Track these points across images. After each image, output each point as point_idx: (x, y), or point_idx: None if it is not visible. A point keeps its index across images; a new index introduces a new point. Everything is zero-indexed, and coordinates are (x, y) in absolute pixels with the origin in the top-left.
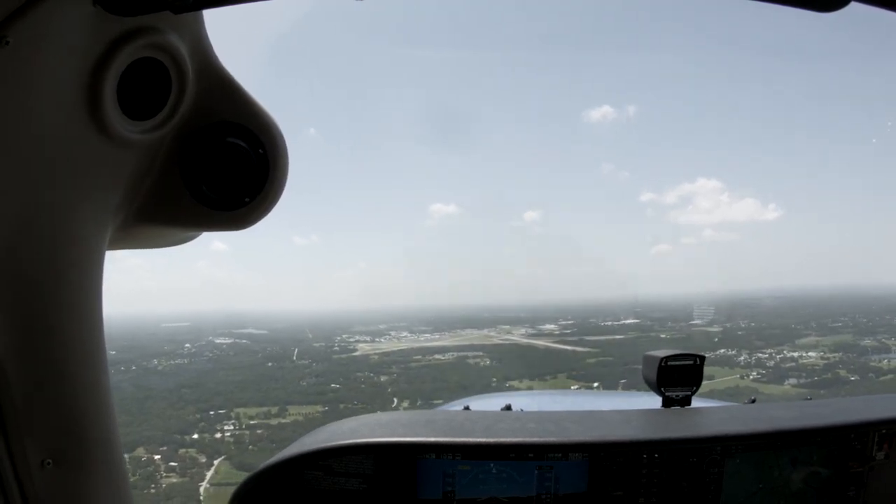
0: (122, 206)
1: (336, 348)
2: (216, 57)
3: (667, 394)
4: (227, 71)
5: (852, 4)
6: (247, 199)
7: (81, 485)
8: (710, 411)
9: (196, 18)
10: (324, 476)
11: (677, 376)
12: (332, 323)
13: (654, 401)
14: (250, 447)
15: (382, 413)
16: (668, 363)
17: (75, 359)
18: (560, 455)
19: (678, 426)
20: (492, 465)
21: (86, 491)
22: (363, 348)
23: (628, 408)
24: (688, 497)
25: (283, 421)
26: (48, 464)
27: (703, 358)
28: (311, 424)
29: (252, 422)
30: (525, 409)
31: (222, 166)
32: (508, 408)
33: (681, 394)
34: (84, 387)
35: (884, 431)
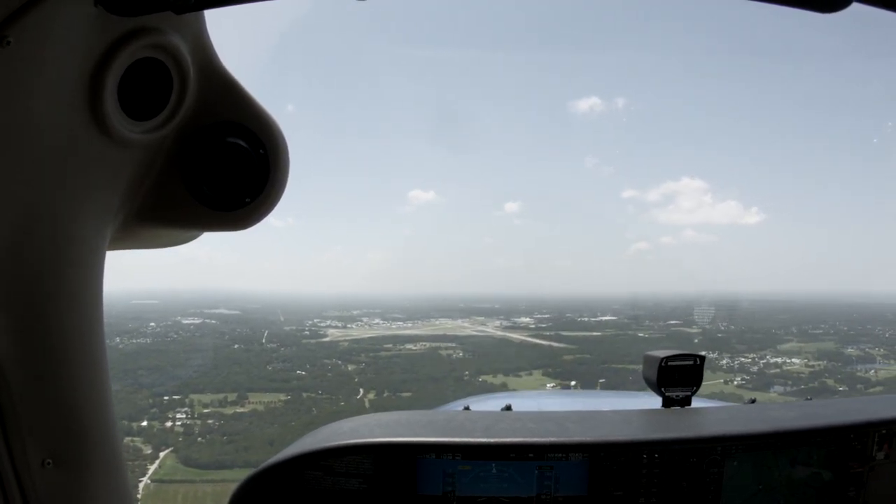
0: (123, 206)
1: (306, 332)
2: (217, 57)
3: (667, 394)
4: (228, 71)
5: (854, 5)
6: (247, 200)
7: (82, 485)
8: (710, 411)
9: (197, 18)
10: (324, 476)
11: (677, 376)
12: (306, 306)
13: (654, 401)
14: (199, 439)
15: (383, 413)
16: (669, 363)
17: (75, 359)
18: (560, 455)
19: (678, 426)
20: (492, 465)
21: (86, 491)
22: (333, 334)
23: (628, 408)
24: (688, 497)
25: (240, 410)
26: (48, 464)
27: (703, 358)
28: (271, 415)
29: (206, 410)
30: (525, 409)
31: (223, 166)
32: (509, 408)
33: (681, 394)
34: (84, 386)
35: (884, 432)
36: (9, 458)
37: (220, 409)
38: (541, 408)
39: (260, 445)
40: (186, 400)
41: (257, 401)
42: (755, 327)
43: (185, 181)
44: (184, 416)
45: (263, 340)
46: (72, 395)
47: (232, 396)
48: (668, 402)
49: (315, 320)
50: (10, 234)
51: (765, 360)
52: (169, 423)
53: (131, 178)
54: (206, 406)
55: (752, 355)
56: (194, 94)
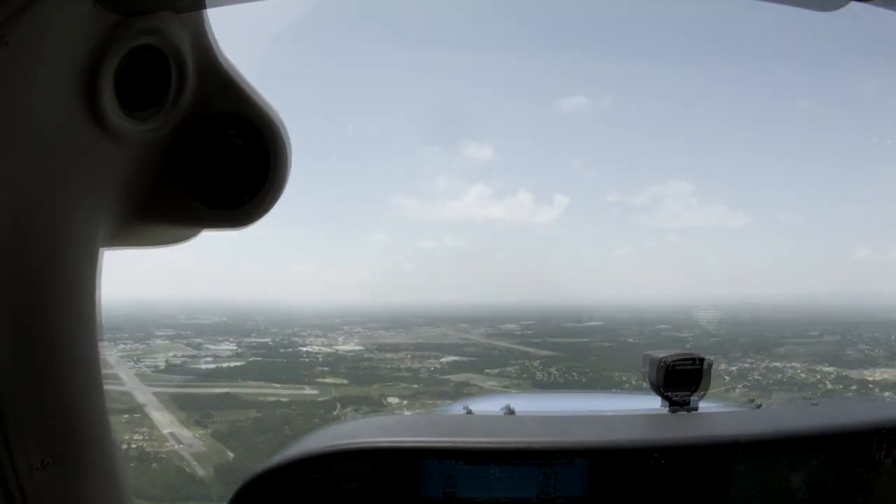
0: (120, 203)
1: (286, 343)
2: (219, 51)
3: (671, 396)
4: (230, 65)
5: (851, 4)
6: (246, 198)
7: (79, 485)
8: (716, 415)
9: (198, 13)
10: (324, 478)
11: (680, 378)
12: (288, 316)
13: (656, 401)
14: (154, 465)
15: (384, 416)
16: (671, 365)
17: (71, 358)
18: (563, 459)
19: (683, 430)
20: (494, 467)
21: (83, 491)
22: (314, 344)
23: (630, 410)
24: (692, 502)
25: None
26: (46, 464)
27: (703, 360)
28: (235, 437)
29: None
30: (526, 410)
31: (222, 163)
32: (510, 410)
33: (686, 396)
34: (80, 386)
35: (892, 436)
36: (8, 459)
37: (181, 430)
38: (542, 409)
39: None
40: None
41: (221, 419)
42: (747, 332)
43: (184, 178)
44: (141, 437)
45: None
46: (67, 395)
47: (196, 415)
48: (673, 405)
49: (295, 329)
50: (6, 232)
51: (765, 365)
52: (124, 447)
53: (129, 174)
54: (164, 426)
55: (749, 360)
56: (193, 89)
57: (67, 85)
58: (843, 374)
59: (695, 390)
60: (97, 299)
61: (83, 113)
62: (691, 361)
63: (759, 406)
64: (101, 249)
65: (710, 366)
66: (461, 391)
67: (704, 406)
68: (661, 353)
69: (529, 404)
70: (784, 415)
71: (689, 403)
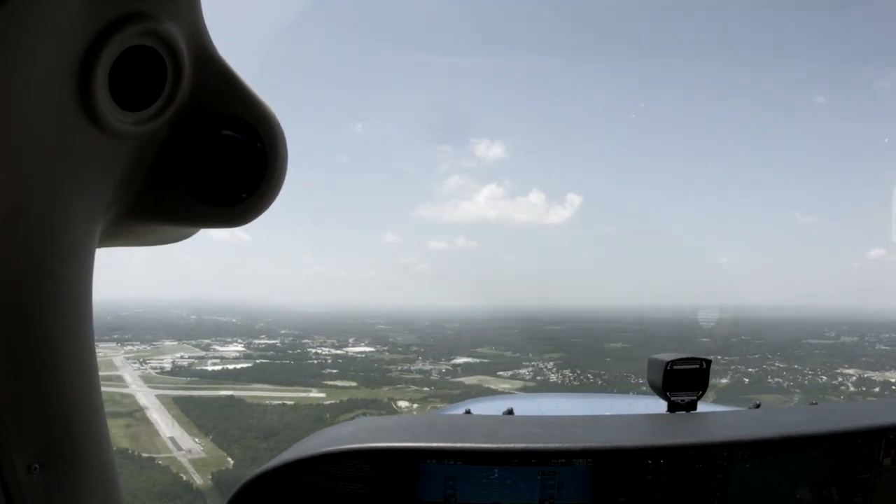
0: (114, 201)
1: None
2: (214, 46)
3: (672, 398)
4: (225, 61)
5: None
6: (244, 195)
7: (71, 490)
8: (716, 416)
9: (193, 5)
10: (323, 481)
11: (683, 380)
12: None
13: (658, 404)
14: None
15: (383, 417)
16: (674, 367)
17: (62, 359)
18: (564, 461)
19: (684, 432)
20: (494, 470)
21: (76, 496)
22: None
23: (633, 412)
24: (691, 503)
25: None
26: (35, 469)
27: (709, 362)
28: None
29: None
30: (527, 412)
31: (219, 160)
32: (510, 412)
33: (686, 398)
34: (73, 388)
35: (891, 437)
36: (5, 461)
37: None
38: (543, 411)
39: None
40: None
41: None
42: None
43: (180, 175)
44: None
45: None
46: (60, 397)
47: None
48: (673, 407)
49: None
50: None
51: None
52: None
53: (123, 171)
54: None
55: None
56: (189, 84)
57: (58, 75)
58: (865, 375)
59: (701, 394)
60: (91, 299)
61: (75, 104)
62: (695, 363)
63: (758, 406)
64: (94, 248)
65: (709, 365)
66: (472, 394)
67: (703, 406)
68: (665, 357)
69: (530, 406)
70: (783, 415)
71: (694, 406)
